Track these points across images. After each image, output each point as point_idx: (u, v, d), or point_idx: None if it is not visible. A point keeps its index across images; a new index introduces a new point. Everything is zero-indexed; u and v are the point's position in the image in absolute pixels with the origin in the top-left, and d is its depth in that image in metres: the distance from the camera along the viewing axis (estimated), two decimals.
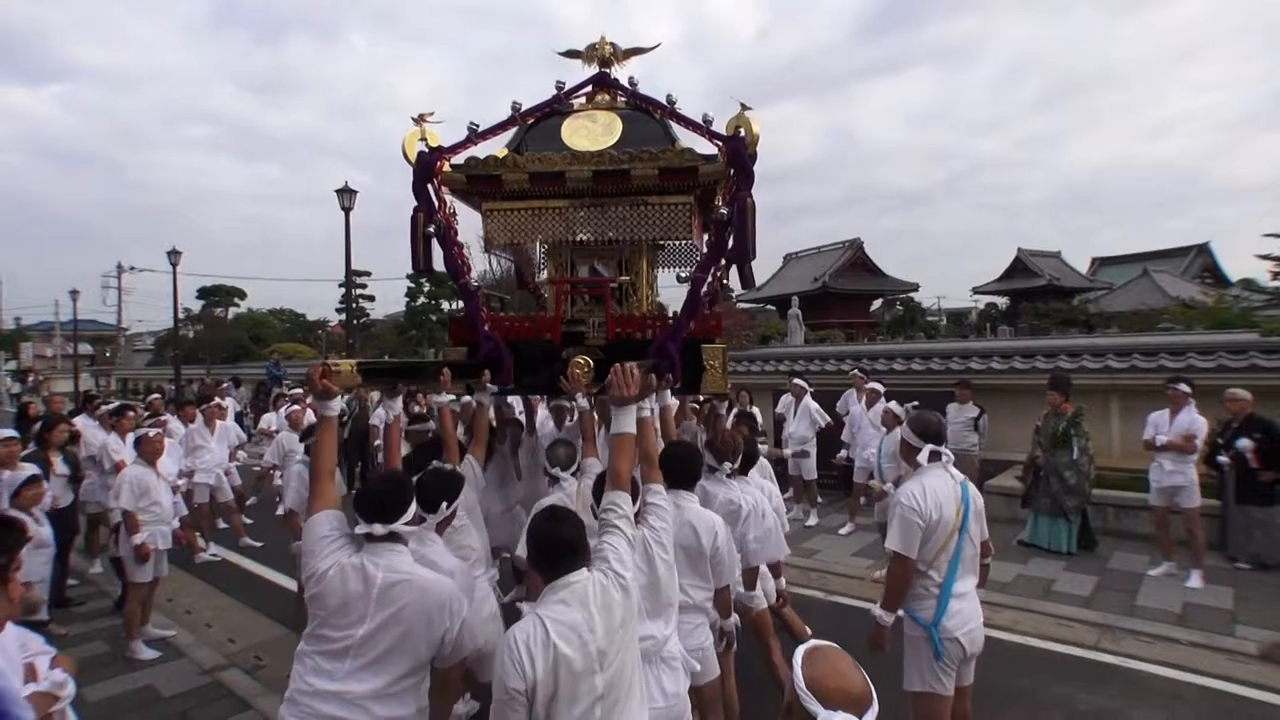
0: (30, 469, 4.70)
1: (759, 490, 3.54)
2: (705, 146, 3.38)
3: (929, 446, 2.82)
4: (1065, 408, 6.30)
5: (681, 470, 2.87)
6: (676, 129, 3.64)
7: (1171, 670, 4.08)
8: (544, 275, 4.50)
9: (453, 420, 3.48)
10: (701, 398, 4.39)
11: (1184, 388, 5.64)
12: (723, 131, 3.28)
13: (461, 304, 3.87)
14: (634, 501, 2.76)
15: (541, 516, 1.99)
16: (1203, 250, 35.05)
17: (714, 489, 3.28)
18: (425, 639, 2.02)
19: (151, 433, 5.09)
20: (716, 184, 3.43)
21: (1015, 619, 4.86)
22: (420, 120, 3.52)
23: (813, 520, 7.64)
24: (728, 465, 3.30)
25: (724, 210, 3.28)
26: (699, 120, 3.44)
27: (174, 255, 19.34)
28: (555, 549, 1.87)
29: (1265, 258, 27.10)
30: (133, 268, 30.18)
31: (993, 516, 6.24)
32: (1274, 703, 3.72)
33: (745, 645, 3.42)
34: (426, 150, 3.46)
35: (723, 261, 3.55)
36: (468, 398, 3.65)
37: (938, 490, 2.71)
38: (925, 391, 8.34)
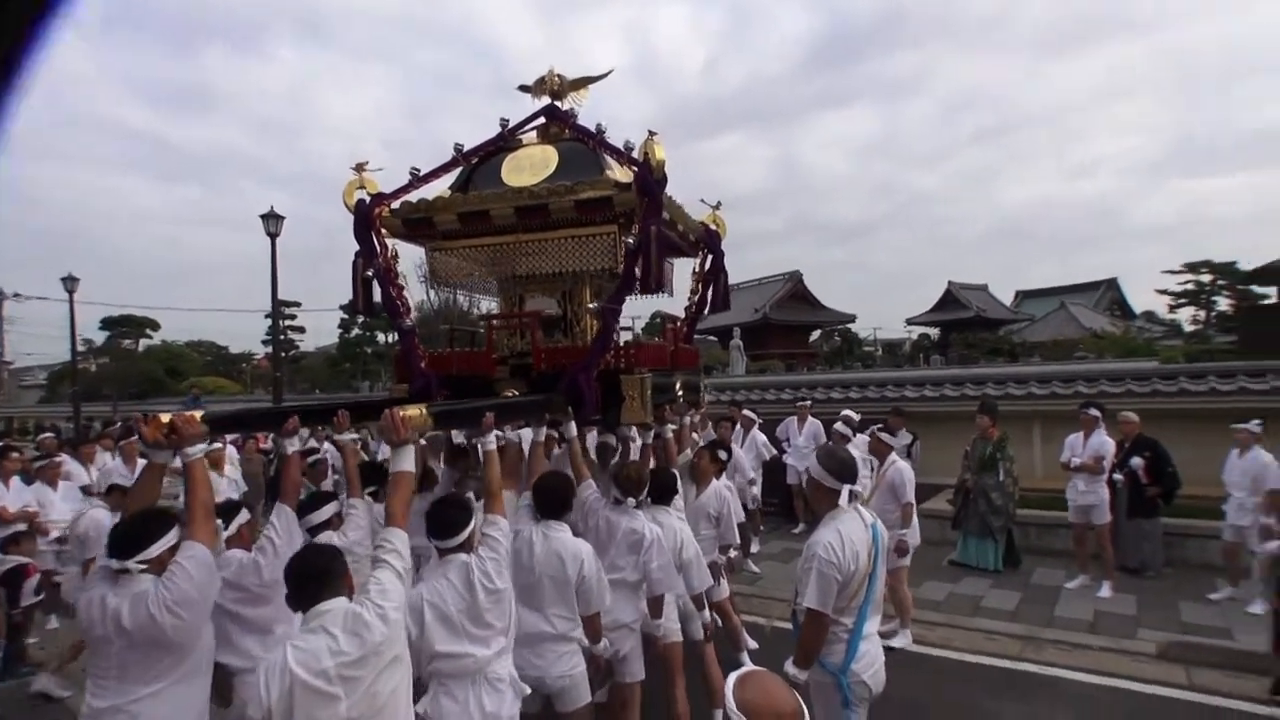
0: None
1: (679, 520, 3.53)
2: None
3: (848, 488, 2.64)
4: (992, 432, 6.59)
5: (551, 500, 2.94)
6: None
7: (1084, 675, 4.34)
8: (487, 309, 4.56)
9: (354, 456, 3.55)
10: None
11: (1094, 412, 6.01)
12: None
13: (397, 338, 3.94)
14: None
15: (297, 553, 2.13)
16: (1112, 285, 38.20)
17: (616, 519, 3.24)
18: (164, 643, 2.11)
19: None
20: (634, 212, 3.49)
21: (948, 636, 5.00)
22: (359, 169, 3.67)
23: (756, 547, 7.68)
24: (631, 500, 3.25)
25: (629, 240, 3.34)
26: (621, 149, 3.55)
27: (70, 282, 17.88)
28: (304, 580, 1.96)
29: (1163, 293, 29.90)
30: (17, 294, 27.68)
31: (926, 538, 6.50)
32: (1170, 696, 4.06)
33: (657, 677, 3.42)
34: (366, 198, 3.61)
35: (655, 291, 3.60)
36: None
37: (853, 537, 2.56)
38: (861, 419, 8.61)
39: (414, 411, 2.49)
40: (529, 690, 2.59)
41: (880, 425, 5.12)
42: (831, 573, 2.50)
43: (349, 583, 2.01)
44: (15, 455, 6.06)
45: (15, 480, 5.87)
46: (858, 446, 6.96)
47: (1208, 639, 4.72)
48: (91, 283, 18.69)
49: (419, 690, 2.30)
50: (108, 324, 35.63)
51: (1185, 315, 29.71)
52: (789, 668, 2.58)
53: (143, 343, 37.49)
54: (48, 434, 8.38)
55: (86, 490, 6.85)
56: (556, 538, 2.86)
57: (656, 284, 3.36)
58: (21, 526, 5.42)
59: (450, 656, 2.40)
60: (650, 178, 3.20)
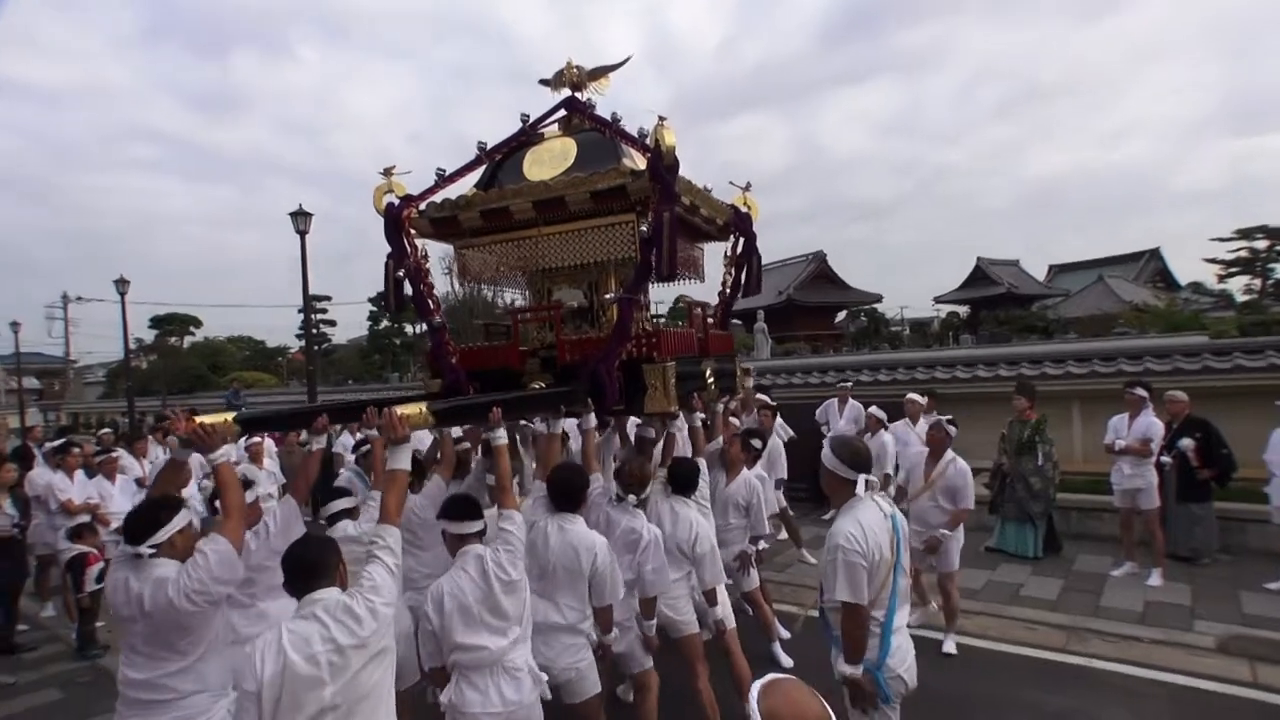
0: None
1: (698, 513, 3.53)
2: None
3: (864, 477, 2.60)
4: (1030, 415, 6.41)
5: (565, 493, 2.99)
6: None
7: (1135, 668, 4.18)
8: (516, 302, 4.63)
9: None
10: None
11: (1141, 392, 5.79)
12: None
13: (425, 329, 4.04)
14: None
15: (297, 542, 2.23)
16: (1154, 255, 36.65)
17: (617, 517, 3.27)
18: (181, 625, 2.27)
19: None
20: (648, 200, 3.44)
21: (985, 625, 4.92)
22: (387, 173, 3.75)
23: (783, 534, 7.66)
24: (632, 498, 3.26)
25: (644, 228, 3.32)
26: (636, 136, 3.54)
27: (122, 284, 18.71)
28: (299, 569, 2.07)
29: (1212, 261, 28.60)
30: (79, 297, 29.12)
31: None
32: (1231, 694, 3.84)
33: (680, 668, 3.45)
34: (395, 201, 3.70)
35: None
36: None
37: (874, 526, 2.52)
38: (891, 401, 8.50)
39: (413, 410, 2.57)
40: (546, 679, 2.67)
41: (948, 420, 4.80)
42: (857, 560, 2.46)
43: (343, 575, 2.13)
44: (76, 451, 6.38)
45: (79, 474, 6.20)
46: (904, 432, 6.79)
47: (1275, 632, 4.44)
48: (139, 283, 19.45)
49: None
50: (156, 322, 37.12)
51: (1237, 285, 28.43)
52: (842, 666, 2.55)
53: (186, 339, 38.94)
54: (106, 430, 8.78)
55: (140, 483, 7.22)
56: (571, 530, 2.92)
57: (672, 271, 3.35)
58: (86, 518, 5.74)
59: (468, 648, 2.49)
60: (661, 164, 3.16)
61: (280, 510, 2.88)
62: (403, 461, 2.48)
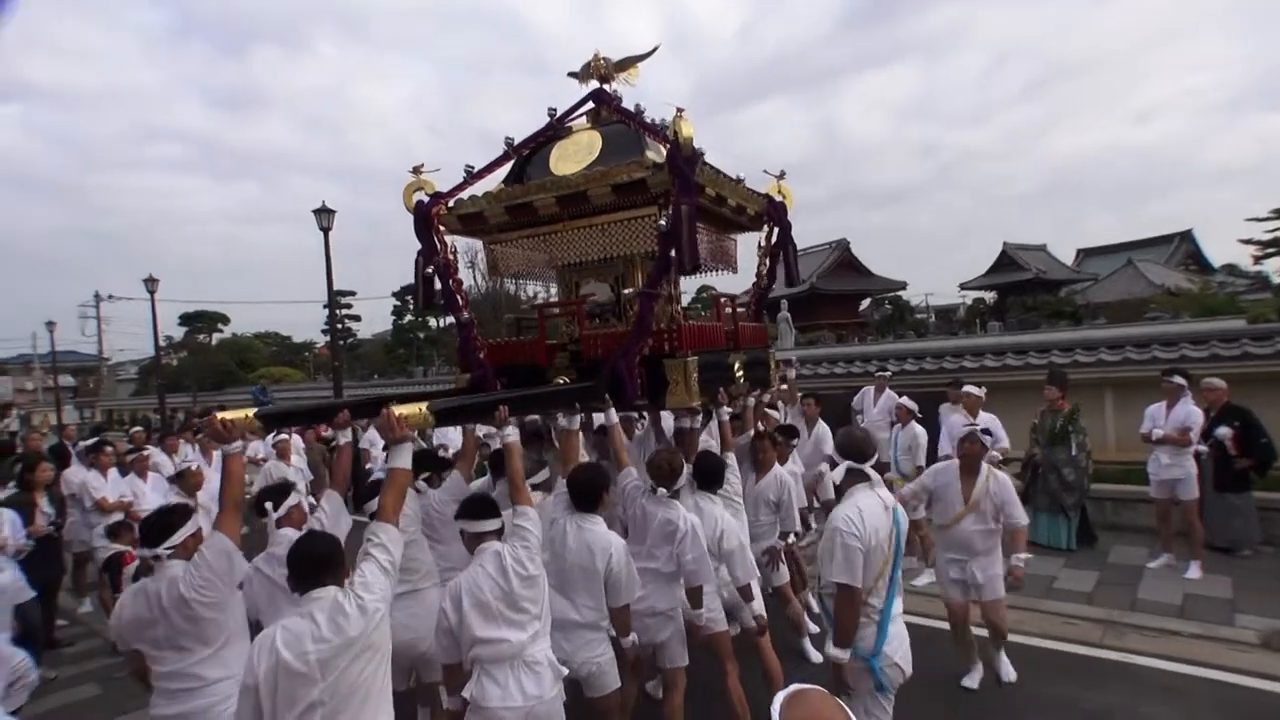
0: None
1: (723, 509, 3.49)
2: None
3: (847, 464, 2.75)
4: (1062, 404, 6.27)
5: (584, 493, 2.99)
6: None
7: (1174, 664, 4.06)
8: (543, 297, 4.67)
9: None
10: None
11: (1179, 380, 5.62)
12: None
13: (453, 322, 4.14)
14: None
15: (301, 539, 2.25)
16: (1186, 237, 35.48)
17: (653, 509, 3.25)
18: (197, 617, 2.42)
19: (193, 466, 5.24)
20: (668, 193, 3.39)
21: (1019, 619, 4.76)
22: (416, 171, 3.79)
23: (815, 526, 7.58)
24: (662, 491, 3.23)
25: (662, 221, 3.27)
26: (657, 128, 3.52)
27: (151, 283, 19.10)
28: (301, 566, 2.08)
29: (1247, 242, 27.62)
30: (111, 296, 29.80)
31: None
32: (1276, 691, 3.70)
33: (710, 665, 3.42)
34: (425, 199, 3.73)
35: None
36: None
37: (872, 513, 2.62)
38: (922, 391, 8.36)
39: (412, 410, 2.58)
40: (566, 672, 2.68)
41: (983, 430, 4.11)
42: (855, 544, 2.53)
43: (345, 573, 2.14)
44: (109, 450, 6.51)
45: (112, 472, 6.35)
46: (958, 425, 6.37)
47: None
48: (168, 281, 19.89)
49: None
50: (185, 320, 38.02)
51: (1274, 266, 27.43)
52: (830, 649, 2.62)
53: (215, 336, 39.82)
54: (138, 428, 8.98)
55: (172, 480, 7.38)
56: (589, 529, 2.93)
57: (695, 264, 3.30)
58: (120, 516, 5.86)
59: (488, 642, 2.51)
60: (680, 156, 3.11)
61: (328, 504, 2.95)
62: (403, 461, 2.47)
